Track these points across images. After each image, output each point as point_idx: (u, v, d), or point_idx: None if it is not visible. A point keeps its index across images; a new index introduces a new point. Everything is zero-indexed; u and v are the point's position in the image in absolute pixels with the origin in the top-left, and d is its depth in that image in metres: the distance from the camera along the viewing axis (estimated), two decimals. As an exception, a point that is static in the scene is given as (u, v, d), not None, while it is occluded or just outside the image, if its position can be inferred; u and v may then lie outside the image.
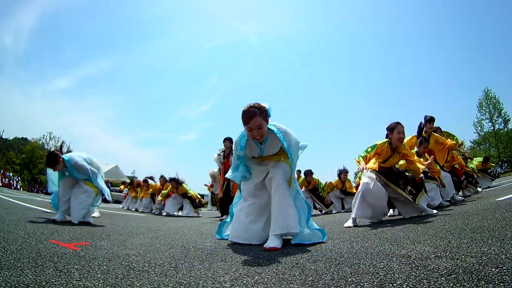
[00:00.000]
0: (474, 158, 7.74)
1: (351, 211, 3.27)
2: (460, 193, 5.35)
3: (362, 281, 1.10)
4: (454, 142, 4.47)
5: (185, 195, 7.15)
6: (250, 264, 1.47)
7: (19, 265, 1.32)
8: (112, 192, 18.20)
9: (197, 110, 74.70)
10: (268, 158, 2.24)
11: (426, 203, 3.23)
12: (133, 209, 9.36)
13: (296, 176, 2.35)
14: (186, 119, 71.30)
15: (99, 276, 1.22)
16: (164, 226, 3.69)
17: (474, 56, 45.05)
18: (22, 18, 55.82)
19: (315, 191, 6.57)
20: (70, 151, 3.73)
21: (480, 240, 1.62)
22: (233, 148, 2.35)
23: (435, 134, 4.46)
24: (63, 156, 3.45)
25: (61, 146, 3.65)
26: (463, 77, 47.44)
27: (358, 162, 3.34)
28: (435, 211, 3.27)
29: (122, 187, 9.62)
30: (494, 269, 1.10)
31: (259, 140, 2.04)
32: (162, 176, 7.95)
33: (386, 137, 3.22)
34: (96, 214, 4.56)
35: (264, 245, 1.89)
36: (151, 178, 8.76)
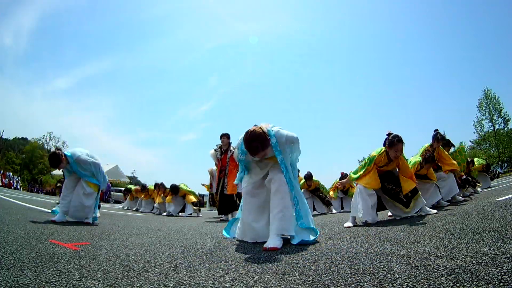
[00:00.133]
0: (476, 159, 7.69)
1: (350, 211, 3.29)
2: (460, 193, 5.35)
3: (362, 281, 1.10)
4: (456, 167, 4.48)
5: (185, 196, 7.14)
6: (250, 264, 1.47)
7: (19, 265, 1.32)
8: (112, 192, 18.24)
9: (197, 110, 74.79)
10: (269, 158, 2.25)
11: (423, 205, 3.22)
12: (133, 209, 9.36)
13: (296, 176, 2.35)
14: (186, 119, 71.39)
15: (99, 276, 1.22)
16: (164, 226, 3.69)
17: (474, 56, 45.08)
18: (22, 18, 55.90)
19: (316, 191, 6.55)
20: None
21: (480, 240, 1.62)
22: (235, 150, 2.37)
23: (442, 150, 4.46)
24: (65, 152, 3.47)
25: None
26: (463, 77, 47.44)
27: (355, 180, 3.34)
28: (434, 211, 3.27)
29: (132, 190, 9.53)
30: (494, 269, 1.10)
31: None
32: (161, 185, 7.88)
33: (384, 145, 3.24)
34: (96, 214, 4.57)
35: (264, 245, 1.90)
36: (145, 186, 8.92)
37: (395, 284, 1.04)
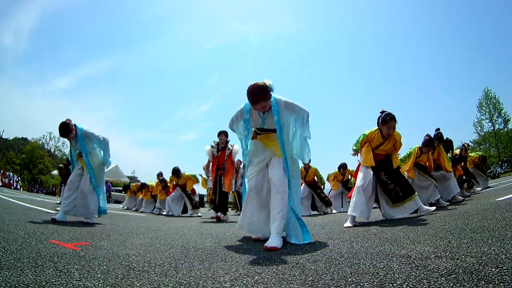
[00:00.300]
0: (470, 155, 7.64)
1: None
2: (460, 193, 5.35)
3: (362, 281, 1.10)
4: (450, 171, 4.53)
5: (185, 188, 7.05)
6: (250, 264, 1.47)
7: (19, 265, 1.32)
8: (112, 192, 18.24)
9: (197, 110, 74.72)
10: (268, 140, 2.28)
11: (412, 209, 3.22)
12: (133, 209, 9.37)
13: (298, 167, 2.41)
14: (186, 119, 71.32)
15: (99, 276, 1.22)
16: (164, 226, 3.69)
17: (474, 56, 45.00)
18: (22, 18, 55.82)
19: (316, 188, 6.49)
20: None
21: (480, 240, 1.62)
22: (236, 115, 2.42)
23: (443, 151, 4.48)
24: (76, 124, 3.53)
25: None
26: (463, 77, 47.36)
27: (356, 153, 3.43)
28: (433, 208, 3.27)
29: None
30: (494, 269, 1.10)
31: (263, 111, 2.19)
32: (160, 175, 7.88)
33: (377, 123, 3.30)
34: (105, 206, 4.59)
35: (265, 244, 1.91)
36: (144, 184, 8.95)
37: (395, 284, 1.04)
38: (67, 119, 3.50)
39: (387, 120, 3.16)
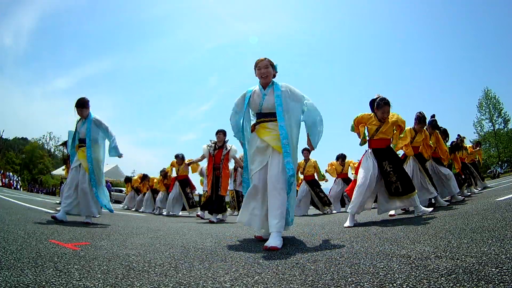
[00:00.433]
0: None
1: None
2: (460, 193, 5.35)
3: (362, 281, 1.10)
4: (447, 157, 4.58)
5: (184, 184, 6.91)
6: (250, 264, 1.47)
7: (19, 265, 1.32)
8: (112, 192, 18.24)
9: (197, 110, 74.84)
10: (264, 130, 2.30)
11: (416, 204, 3.22)
12: (133, 209, 9.36)
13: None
14: (186, 119, 71.42)
15: (99, 276, 1.22)
16: (164, 226, 3.69)
17: (474, 56, 45.11)
18: (22, 18, 56.04)
19: (315, 186, 6.45)
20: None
21: (480, 240, 1.62)
22: (238, 101, 2.53)
23: (439, 136, 4.48)
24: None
25: None
26: (463, 77, 47.48)
27: (359, 132, 3.44)
28: (430, 209, 3.27)
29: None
30: (494, 269, 1.10)
31: (264, 80, 2.35)
32: (163, 171, 7.72)
33: (371, 108, 3.36)
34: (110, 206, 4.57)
35: (265, 244, 1.91)
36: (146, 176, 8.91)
37: (395, 284, 1.04)
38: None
39: (381, 105, 3.22)
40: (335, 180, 7.06)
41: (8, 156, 35.95)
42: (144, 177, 8.96)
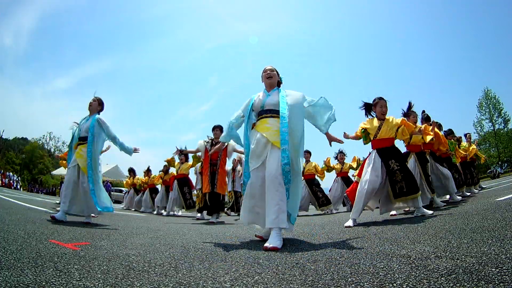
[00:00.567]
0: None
1: (349, 211, 3.31)
2: (459, 193, 5.35)
3: (362, 281, 1.10)
4: (444, 147, 4.57)
5: (184, 182, 6.85)
6: (250, 264, 1.47)
7: (19, 265, 1.32)
8: (112, 192, 18.23)
9: (197, 110, 74.83)
10: (263, 125, 2.31)
11: (419, 206, 3.21)
12: (133, 209, 9.37)
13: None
14: (186, 119, 71.41)
15: (99, 276, 1.22)
16: (164, 226, 3.69)
17: (474, 56, 45.12)
18: (22, 18, 55.91)
19: (314, 185, 6.42)
20: None
21: (480, 240, 1.62)
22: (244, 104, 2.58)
23: (437, 130, 4.49)
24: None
25: None
26: (463, 77, 47.48)
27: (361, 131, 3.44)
28: (430, 212, 3.27)
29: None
30: (494, 269, 1.10)
31: (269, 80, 2.48)
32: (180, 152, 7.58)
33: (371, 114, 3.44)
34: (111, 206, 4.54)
35: (265, 245, 1.90)
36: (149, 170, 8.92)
37: (395, 284, 1.04)
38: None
39: (376, 100, 3.30)
40: (334, 180, 7.04)
41: (8, 156, 35.92)
42: (148, 171, 8.94)
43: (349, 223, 3.04)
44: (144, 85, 71.26)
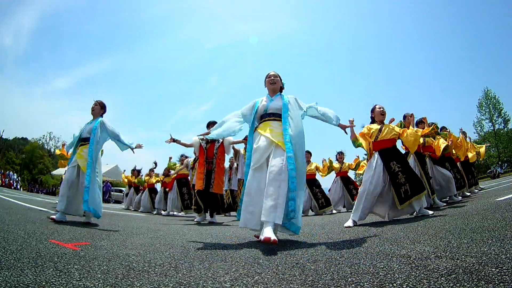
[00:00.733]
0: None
1: (349, 211, 3.30)
2: (459, 193, 5.34)
3: (362, 281, 1.10)
4: (445, 141, 4.57)
5: (183, 182, 6.83)
6: (250, 264, 1.47)
7: (19, 265, 1.32)
8: (112, 192, 18.23)
9: (197, 110, 74.70)
10: (266, 127, 2.35)
11: (419, 207, 3.21)
12: (133, 209, 9.36)
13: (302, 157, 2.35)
14: (186, 119, 71.31)
15: (99, 276, 1.22)
16: (164, 226, 3.69)
17: (474, 56, 45.06)
18: (22, 18, 55.83)
19: (314, 186, 6.41)
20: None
21: (480, 240, 1.62)
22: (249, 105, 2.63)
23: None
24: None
25: None
26: (463, 77, 47.43)
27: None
28: (431, 212, 3.26)
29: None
30: (494, 269, 1.10)
31: (272, 86, 2.56)
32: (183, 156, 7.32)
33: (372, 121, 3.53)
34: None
35: (260, 236, 1.93)
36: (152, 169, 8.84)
37: (395, 284, 1.04)
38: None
39: (374, 107, 3.45)
40: (334, 180, 7.04)
41: (8, 156, 35.92)
42: (151, 169, 8.92)
43: (349, 223, 3.04)
44: (144, 85, 71.27)
